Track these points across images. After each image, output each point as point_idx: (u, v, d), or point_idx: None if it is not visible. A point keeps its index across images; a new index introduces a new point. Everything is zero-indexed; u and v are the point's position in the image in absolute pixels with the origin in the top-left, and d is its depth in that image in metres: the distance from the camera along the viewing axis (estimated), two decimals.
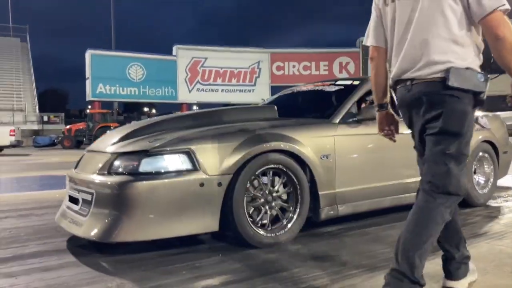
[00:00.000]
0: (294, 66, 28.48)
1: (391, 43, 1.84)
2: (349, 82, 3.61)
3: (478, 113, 4.24)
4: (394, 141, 2.09)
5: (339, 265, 2.36)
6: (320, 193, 2.95)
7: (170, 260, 2.48)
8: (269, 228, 2.77)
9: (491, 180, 4.10)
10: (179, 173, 2.48)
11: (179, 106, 28.29)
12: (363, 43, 2.00)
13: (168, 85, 28.18)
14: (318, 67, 28.23)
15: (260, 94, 25.21)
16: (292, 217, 2.84)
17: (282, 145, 2.78)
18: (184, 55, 28.33)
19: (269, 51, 29.14)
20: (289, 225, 2.82)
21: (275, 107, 3.32)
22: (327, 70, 28.00)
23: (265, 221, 2.77)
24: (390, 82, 1.90)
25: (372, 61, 1.94)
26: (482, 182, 4.07)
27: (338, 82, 3.70)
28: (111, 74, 26.75)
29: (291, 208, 2.86)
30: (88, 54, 26.74)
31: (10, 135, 17.56)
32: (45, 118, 30.24)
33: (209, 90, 28.78)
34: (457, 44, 1.65)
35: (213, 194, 2.53)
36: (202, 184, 2.49)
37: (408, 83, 1.74)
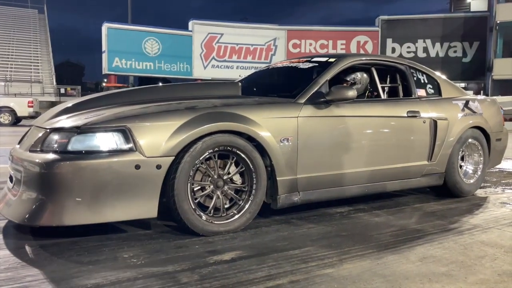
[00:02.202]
0: (311, 44, 27.72)
1: None
2: (324, 59, 3.31)
3: (470, 96, 3.89)
4: None
5: (349, 245, 2.40)
6: (278, 178, 2.71)
7: (183, 234, 2.51)
8: (222, 215, 2.57)
9: (480, 169, 3.78)
10: (112, 153, 2.27)
11: (193, 82, 28.09)
12: None
13: (183, 61, 27.95)
14: (336, 46, 27.42)
15: None
16: (244, 205, 2.62)
17: (234, 125, 2.53)
18: (200, 31, 27.93)
19: (286, 28, 28.41)
20: (242, 212, 2.61)
21: (239, 84, 3.07)
22: (345, 49, 27.18)
23: (217, 208, 2.57)
24: None
25: None
26: (470, 171, 3.76)
27: (314, 59, 3.41)
28: (127, 48, 26.67)
29: (245, 194, 2.64)
30: (105, 27, 26.64)
31: (28, 106, 17.83)
32: (62, 91, 30.54)
33: (224, 66, 28.41)
34: None
35: (151, 178, 2.32)
36: (138, 166, 2.28)
37: None
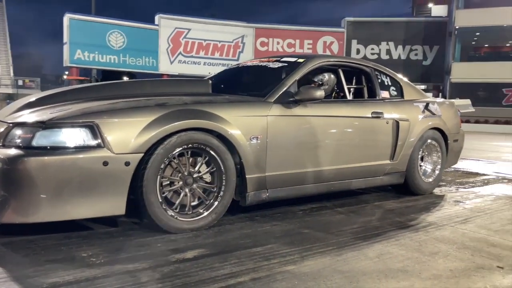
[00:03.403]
0: (278, 43, 27.89)
1: None
2: (293, 59, 3.37)
3: (430, 99, 4.08)
4: None
5: (311, 242, 2.44)
6: (247, 176, 2.75)
7: (145, 232, 2.50)
8: (188, 213, 2.58)
9: (438, 169, 3.97)
10: (79, 149, 2.23)
11: (160, 77, 27.63)
12: None
13: (149, 55, 27.45)
14: (302, 45, 27.71)
15: None
16: (211, 205, 2.64)
17: (205, 123, 2.55)
18: (166, 25, 27.50)
19: (254, 26, 28.43)
20: (208, 211, 2.63)
21: (209, 81, 3.07)
22: (311, 49, 27.53)
23: (183, 205, 2.57)
24: None
25: None
26: (429, 170, 3.94)
27: (284, 59, 3.46)
28: (90, 40, 25.88)
29: (214, 191, 2.66)
30: (67, 18, 25.70)
31: None
32: (20, 83, 29.36)
33: (191, 62, 28.14)
34: None
35: (119, 174, 2.30)
36: (106, 163, 2.25)
37: None
